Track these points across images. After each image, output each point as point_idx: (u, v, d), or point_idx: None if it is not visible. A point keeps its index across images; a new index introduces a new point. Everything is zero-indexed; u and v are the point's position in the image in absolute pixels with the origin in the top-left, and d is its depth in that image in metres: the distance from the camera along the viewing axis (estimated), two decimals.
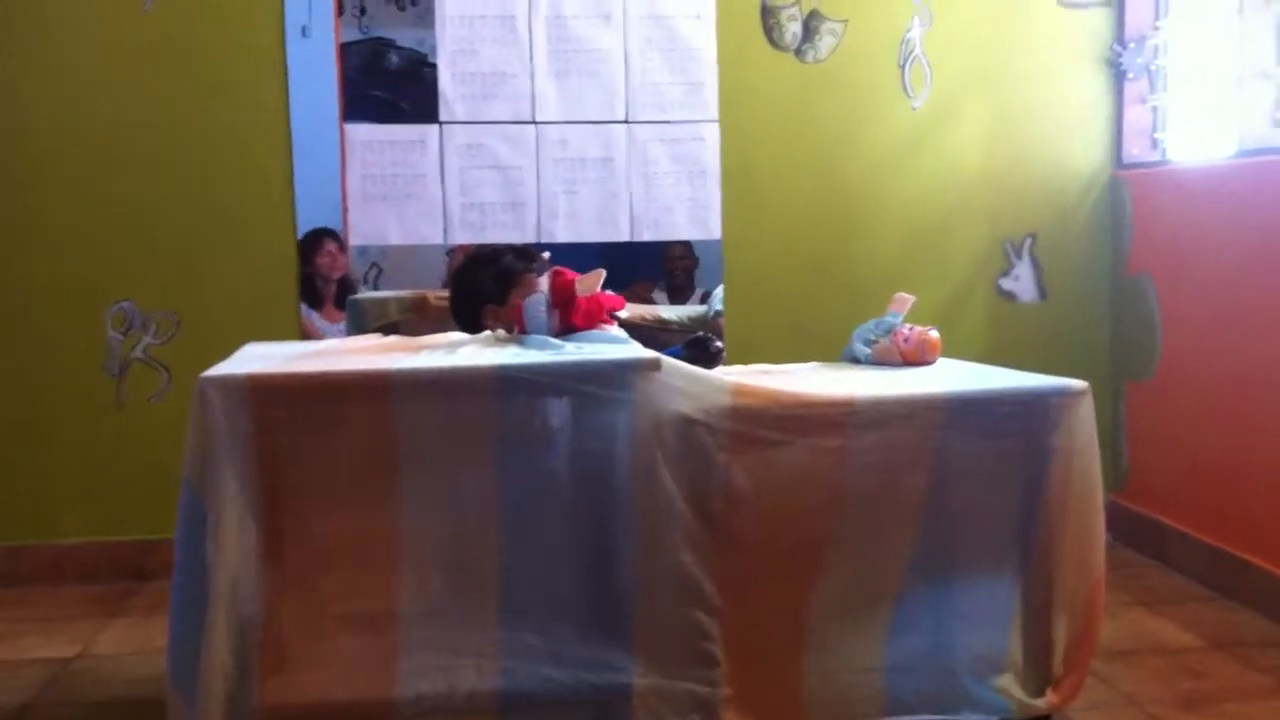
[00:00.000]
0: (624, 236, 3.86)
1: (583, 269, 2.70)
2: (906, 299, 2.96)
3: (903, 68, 3.95)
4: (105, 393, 3.74)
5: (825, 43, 3.91)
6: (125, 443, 3.74)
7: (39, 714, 2.76)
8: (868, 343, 2.94)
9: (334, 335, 3.67)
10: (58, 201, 3.69)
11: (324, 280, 3.79)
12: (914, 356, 2.87)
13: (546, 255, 3.35)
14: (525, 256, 3.08)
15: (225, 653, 2.22)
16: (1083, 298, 4.08)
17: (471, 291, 3.07)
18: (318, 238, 3.77)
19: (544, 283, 2.74)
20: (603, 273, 2.64)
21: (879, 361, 2.91)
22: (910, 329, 2.89)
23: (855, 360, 2.97)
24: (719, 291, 3.86)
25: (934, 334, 2.89)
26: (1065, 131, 4.04)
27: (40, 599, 3.58)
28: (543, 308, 2.62)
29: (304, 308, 3.76)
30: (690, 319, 3.81)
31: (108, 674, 2.99)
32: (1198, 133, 3.88)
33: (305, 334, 3.73)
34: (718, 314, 3.81)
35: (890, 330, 2.91)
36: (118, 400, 3.74)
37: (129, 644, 3.20)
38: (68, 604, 3.53)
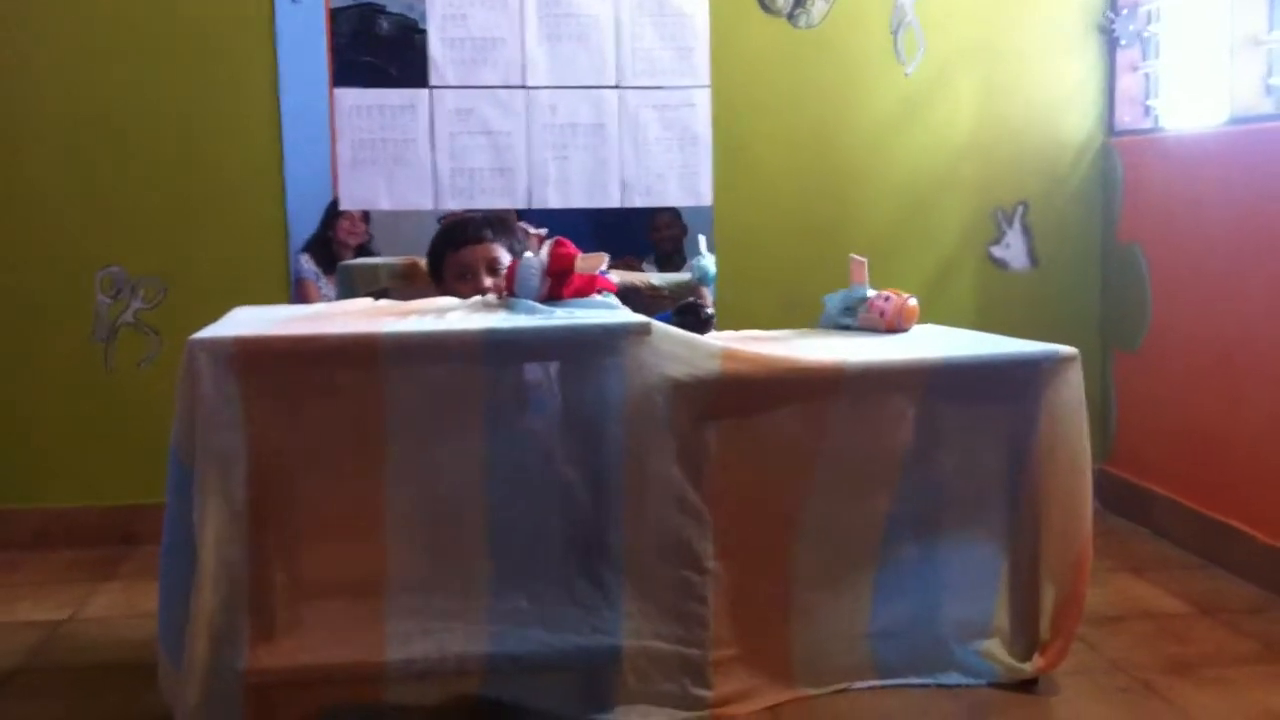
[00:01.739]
0: (614, 203, 3.85)
1: (573, 235, 2.69)
2: (861, 262, 2.94)
3: (895, 34, 3.94)
4: (94, 357, 3.73)
5: (818, 8, 3.90)
6: (114, 407, 3.74)
7: (29, 678, 2.77)
8: (848, 312, 2.93)
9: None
10: (45, 167, 3.67)
11: (342, 246, 3.79)
12: (894, 324, 2.87)
13: (544, 230, 3.35)
14: (493, 225, 3.08)
15: (213, 617, 2.23)
16: (1074, 266, 4.08)
17: (431, 248, 3.15)
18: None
19: (505, 255, 2.87)
20: (605, 256, 2.63)
21: (863, 329, 2.91)
22: (887, 299, 2.88)
23: (838, 328, 2.96)
24: (700, 260, 3.84)
25: (912, 302, 2.87)
26: (1057, 99, 4.03)
27: (31, 563, 3.58)
28: (535, 272, 2.61)
29: (314, 270, 3.76)
30: (680, 285, 3.80)
31: (98, 638, 2.99)
32: (1190, 100, 3.87)
33: (307, 297, 3.72)
34: (699, 281, 3.77)
35: (864, 300, 2.91)
36: (107, 365, 3.74)
37: (119, 608, 3.20)
38: (58, 568, 3.54)
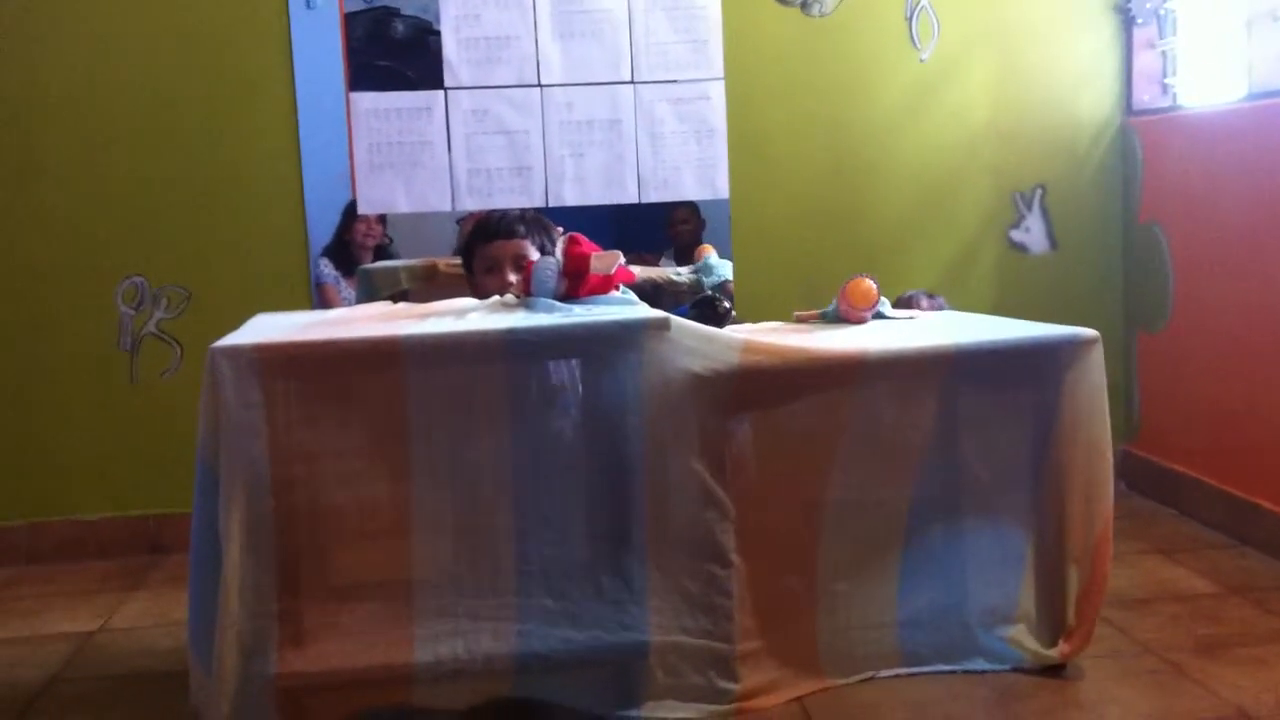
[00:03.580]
0: (631, 198, 3.85)
1: (591, 232, 2.70)
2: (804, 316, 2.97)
3: (909, 19, 3.92)
4: (119, 368, 3.76)
5: None
6: (140, 418, 3.76)
7: (64, 687, 2.79)
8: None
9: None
10: (65, 179, 3.70)
11: (359, 248, 3.80)
12: (858, 305, 2.85)
13: (560, 229, 3.36)
14: (527, 223, 3.07)
15: (242, 623, 2.24)
16: (1094, 248, 4.06)
17: (465, 239, 3.19)
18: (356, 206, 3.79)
19: (534, 253, 2.84)
20: (619, 255, 2.63)
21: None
22: (844, 308, 2.87)
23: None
24: (714, 262, 3.83)
25: (861, 284, 2.85)
26: (1074, 80, 4.00)
27: (62, 574, 3.61)
28: (552, 273, 2.61)
29: (334, 274, 3.78)
30: (697, 280, 3.80)
31: (128, 647, 3.02)
32: (1208, 77, 3.84)
33: (328, 300, 3.74)
34: (718, 284, 3.77)
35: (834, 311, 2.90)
36: (131, 375, 3.76)
37: (149, 617, 3.22)
38: (89, 579, 3.56)
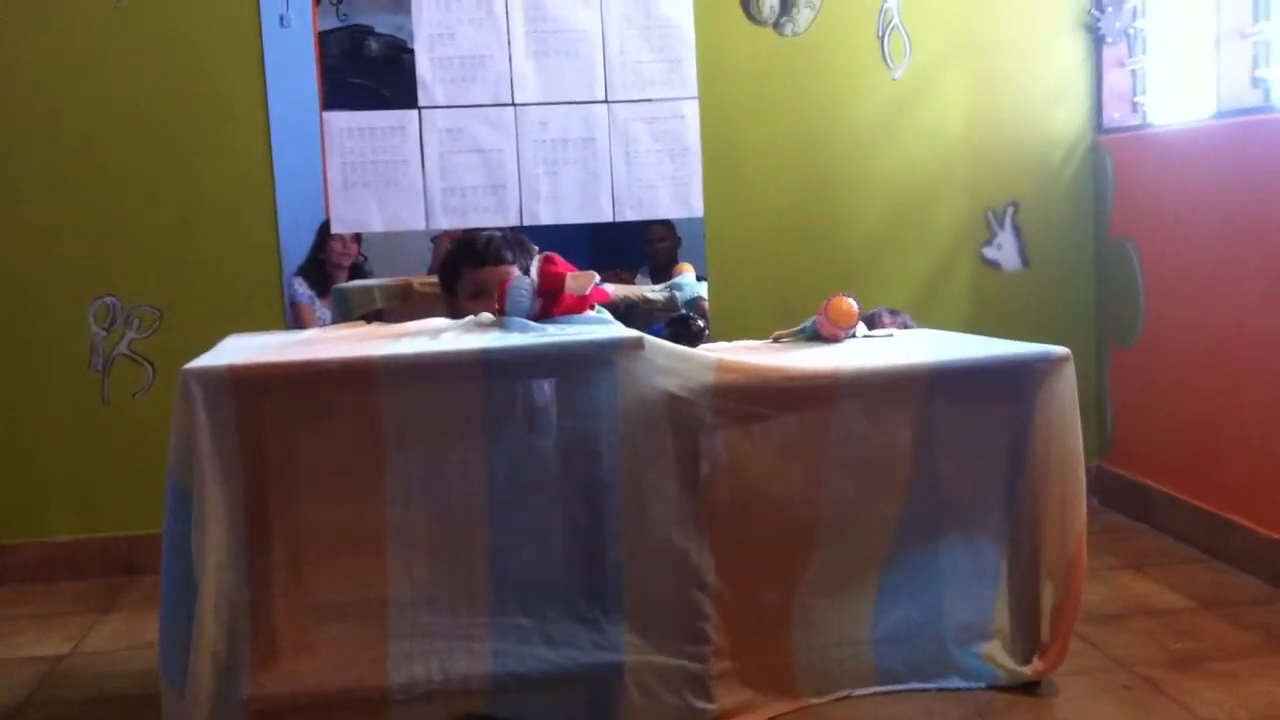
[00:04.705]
0: (606, 217, 3.85)
1: (566, 249, 2.70)
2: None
3: (881, 39, 3.94)
4: (91, 388, 3.73)
5: (803, 15, 3.90)
6: (112, 438, 3.74)
7: (34, 712, 2.76)
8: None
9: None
10: (37, 198, 3.68)
11: (334, 267, 3.79)
12: (835, 324, 2.86)
13: (535, 248, 3.37)
14: (513, 248, 3.07)
15: (215, 644, 2.23)
16: (1066, 264, 4.08)
17: (446, 260, 3.18)
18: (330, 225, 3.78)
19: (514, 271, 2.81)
20: (595, 275, 2.63)
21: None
22: (823, 326, 2.88)
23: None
24: (687, 280, 3.84)
25: (842, 304, 2.86)
26: (1045, 98, 4.03)
27: (33, 596, 3.58)
28: (526, 293, 2.61)
29: (308, 294, 3.76)
30: (671, 298, 3.81)
31: (101, 670, 2.99)
32: (1178, 94, 3.87)
33: (303, 320, 3.73)
34: (693, 302, 3.78)
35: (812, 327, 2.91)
36: (103, 396, 3.74)
37: (121, 639, 3.20)
38: (60, 601, 3.54)
